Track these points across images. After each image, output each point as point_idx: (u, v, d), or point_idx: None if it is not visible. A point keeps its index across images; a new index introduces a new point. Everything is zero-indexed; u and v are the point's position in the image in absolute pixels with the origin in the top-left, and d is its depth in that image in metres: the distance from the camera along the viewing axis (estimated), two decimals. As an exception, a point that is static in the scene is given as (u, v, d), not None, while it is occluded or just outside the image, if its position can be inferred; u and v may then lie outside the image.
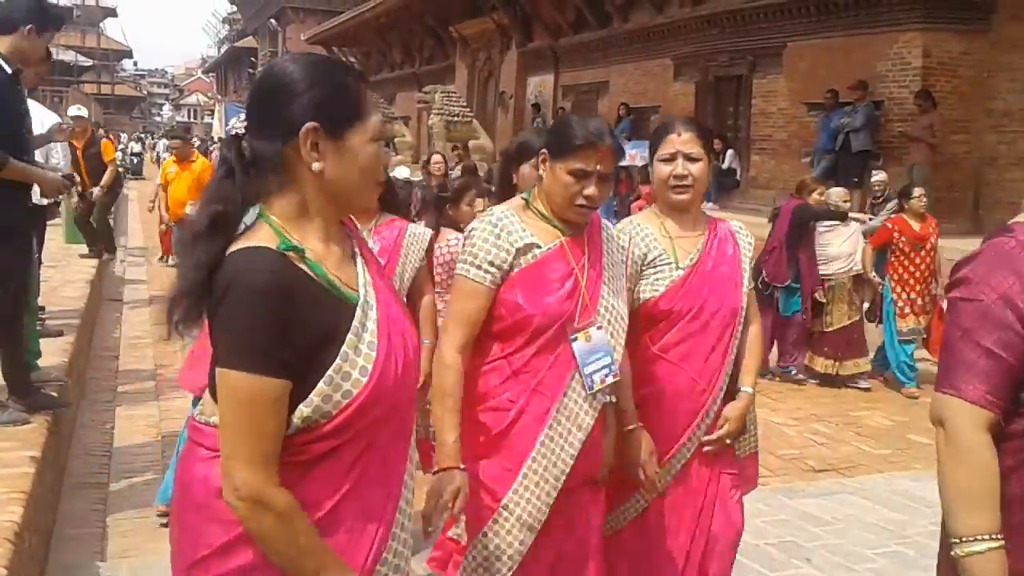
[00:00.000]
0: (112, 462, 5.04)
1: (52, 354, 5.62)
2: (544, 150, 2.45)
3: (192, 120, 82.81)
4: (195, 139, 30.08)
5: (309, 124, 1.55)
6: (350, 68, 1.72)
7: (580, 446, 2.36)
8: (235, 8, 58.89)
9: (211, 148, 28.26)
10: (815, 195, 7.53)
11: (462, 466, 2.26)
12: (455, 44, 25.08)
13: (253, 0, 50.46)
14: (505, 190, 3.40)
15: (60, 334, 6.10)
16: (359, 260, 1.67)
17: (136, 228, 17.02)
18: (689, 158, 2.66)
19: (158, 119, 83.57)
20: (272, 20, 47.82)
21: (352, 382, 1.54)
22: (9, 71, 3.95)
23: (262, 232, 1.55)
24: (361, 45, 35.31)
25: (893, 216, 7.63)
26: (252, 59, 55.66)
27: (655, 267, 2.66)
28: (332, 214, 1.64)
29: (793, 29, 13.02)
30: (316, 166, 1.56)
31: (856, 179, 10.64)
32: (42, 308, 6.44)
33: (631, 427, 2.54)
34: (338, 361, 1.53)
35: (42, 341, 5.89)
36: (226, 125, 57.26)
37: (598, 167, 2.35)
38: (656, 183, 2.77)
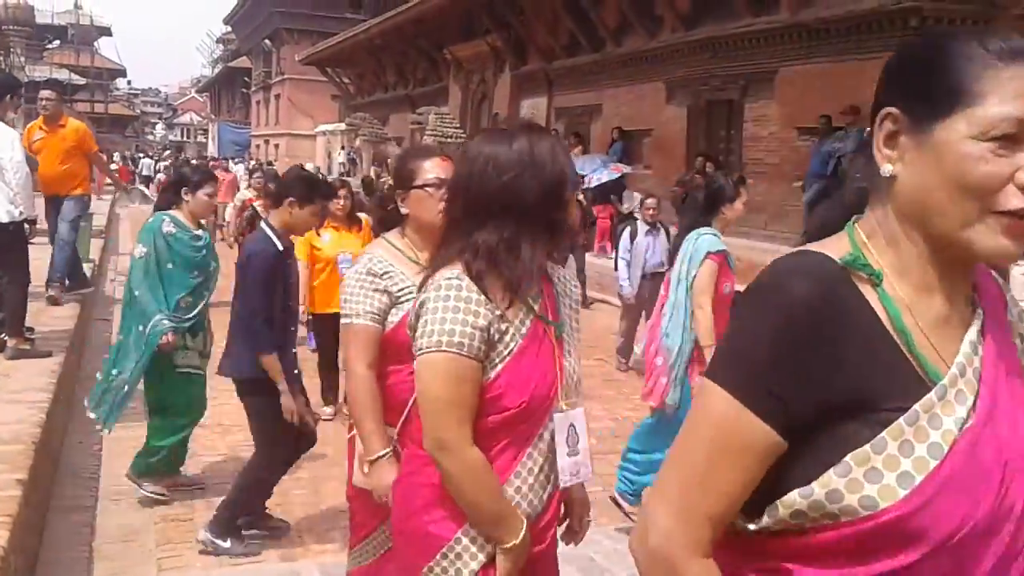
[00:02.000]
0: (100, 485, 4.99)
1: (40, 375, 5.58)
2: None
3: (185, 139, 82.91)
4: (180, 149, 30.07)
5: (889, 109, 1.14)
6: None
7: None
8: (229, 28, 59.06)
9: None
10: None
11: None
12: (449, 66, 25.19)
13: (248, 21, 50.63)
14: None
15: (49, 355, 6.07)
16: (975, 334, 1.14)
17: (127, 246, 16.94)
18: None
19: (151, 138, 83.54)
20: (266, 41, 47.96)
21: (880, 488, 1.05)
22: None
23: (839, 242, 1.19)
24: (355, 66, 35.43)
25: None
26: (246, 79, 55.84)
27: None
28: (925, 245, 1.13)
29: (785, 54, 13.11)
30: (887, 169, 1.14)
31: (847, 203, 10.65)
32: (30, 329, 6.42)
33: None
34: (867, 448, 1.07)
35: (30, 361, 5.87)
36: (219, 144, 57.35)
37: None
38: None
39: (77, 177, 8.21)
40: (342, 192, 6.75)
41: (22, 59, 42.11)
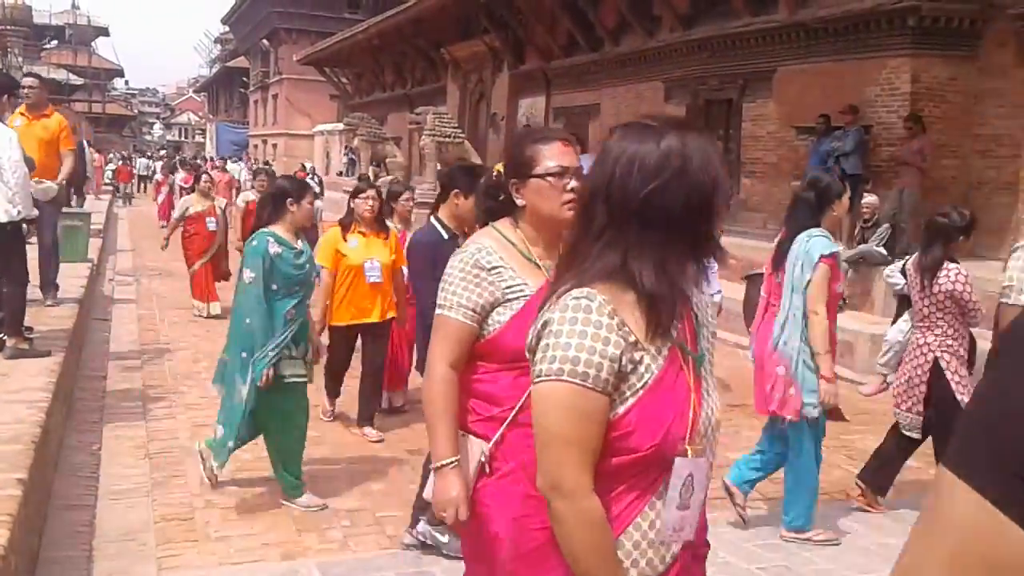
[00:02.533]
0: (99, 483, 4.99)
1: (39, 374, 5.58)
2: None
3: (183, 139, 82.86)
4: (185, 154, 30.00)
5: None
6: None
7: None
8: (227, 28, 59.02)
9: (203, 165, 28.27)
10: None
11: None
12: (447, 66, 25.20)
13: (245, 21, 50.59)
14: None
15: (48, 354, 6.07)
16: None
17: (125, 248, 16.95)
18: None
19: (149, 138, 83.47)
20: (264, 40, 47.93)
21: None
22: None
23: None
24: (353, 66, 35.43)
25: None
26: (244, 79, 55.80)
27: None
28: None
29: (783, 53, 13.12)
30: None
31: (846, 203, 10.67)
32: (29, 328, 6.41)
33: None
34: None
35: (29, 361, 5.87)
36: (217, 144, 57.30)
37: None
38: None
39: (49, 171, 7.76)
40: (370, 192, 6.11)
41: (20, 59, 42.09)
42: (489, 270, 2.33)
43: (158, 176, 25.43)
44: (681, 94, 15.54)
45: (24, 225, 6.22)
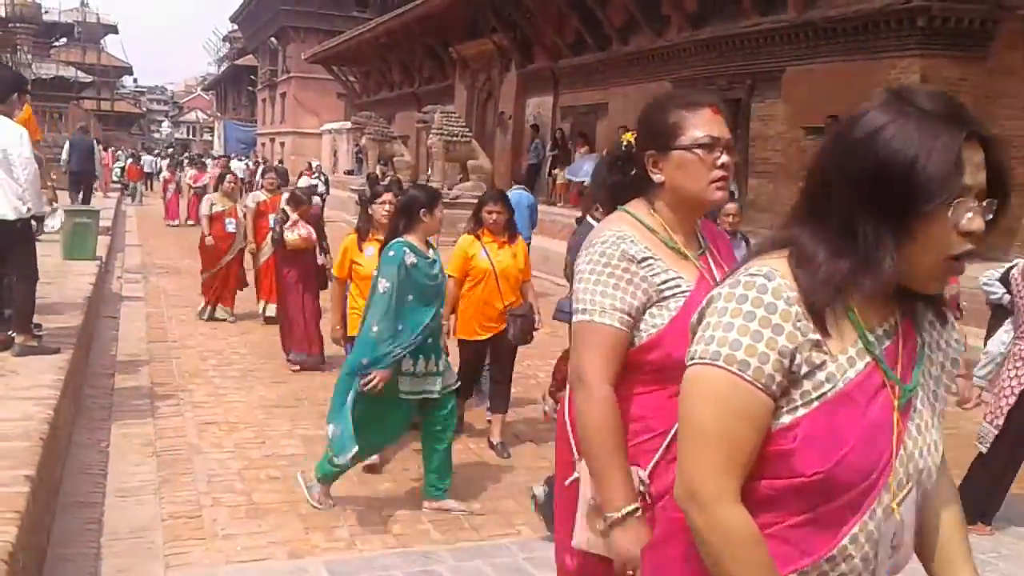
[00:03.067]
0: (107, 481, 5.00)
1: (47, 371, 5.59)
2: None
3: (191, 137, 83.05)
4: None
5: None
6: None
7: None
8: (236, 27, 59.12)
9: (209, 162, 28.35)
10: None
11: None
12: (455, 65, 25.20)
13: (254, 19, 50.67)
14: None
15: (57, 351, 6.08)
16: None
17: (134, 245, 16.98)
18: None
19: (157, 136, 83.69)
20: (272, 39, 48.02)
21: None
22: None
23: None
24: (361, 65, 35.46)
25: None
26: (252, 77, 55.92)
27: None
28: None
29: (791, 54, 13.09)
30: None
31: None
32: (38, 325, 6.42)
33: None
34: None
35: (37, 358, 5.88)
36: (225, 142, 57.37)
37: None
38: None
39: None
40: (387, 196, 5.69)
41: (29, 56, 42.16)
42: (639, 262, 1.95)
43: (164, 174, 25.40)
44: (689, 94, 15.52)
45: (33, 222, 6.23)
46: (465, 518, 4.70)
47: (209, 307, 9.99)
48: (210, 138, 70.98)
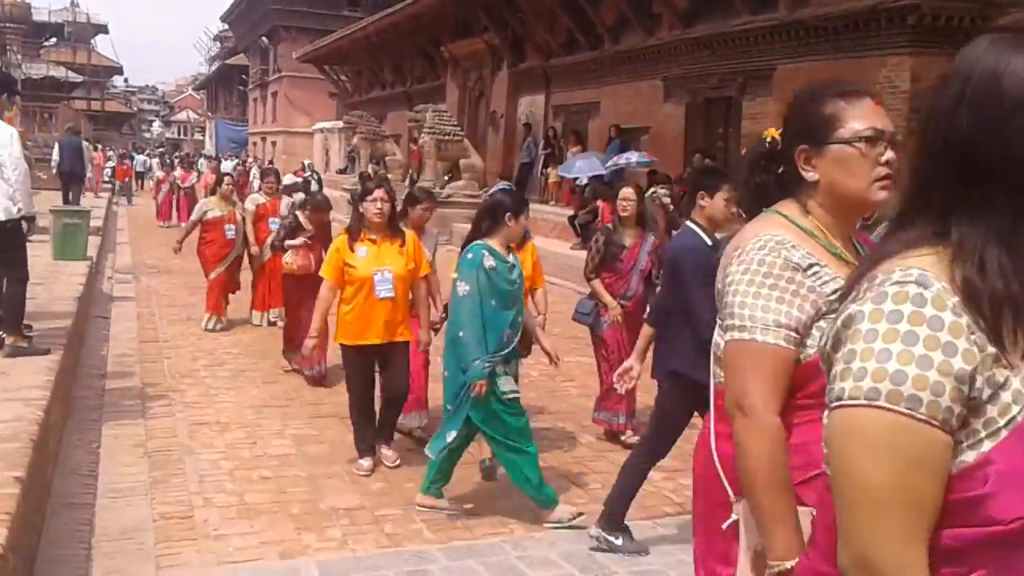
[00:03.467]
0: (98, 482, 4.99)
1: (38, 372, 5.57)
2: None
3: (182, 137, 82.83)
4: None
5: None
6: None
7: None
8: (227, 26, 58.97)
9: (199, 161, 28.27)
10: None
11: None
12: (446, 64, 25.19)
13: (245, 18, 50.54)
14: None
15: (47, 352, 6.06)
16: None
17: (124, 245, 16.93)
18: None
19: (148, 135, 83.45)
20: (263, 38, 47.89)
21: None
22: None
23: None
24: (352, 64, 35.41)
25: None
26: (243, 76, 55.75)
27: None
28: None
29: (782, 52, 13.12)
30: None
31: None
32: (28, 326, 6.41)
33: None
34: None
35: (27, 359, 5.86)
36: (216, 141, 57.25)
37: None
38: None
39: None
40: (378, 194, 5.25)
41: (19, 56, 42.05)
42: (805, 270, 1.75)
43: (158, 173, 25.25)
44: (680, 92, 15.54)
45: (24, 223, 6.21)
46: (457, 517, 4.70)
47: (215, 316, 9.42)
48: (201, 138, 70.79)
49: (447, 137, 20.45)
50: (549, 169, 18.65)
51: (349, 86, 37.54)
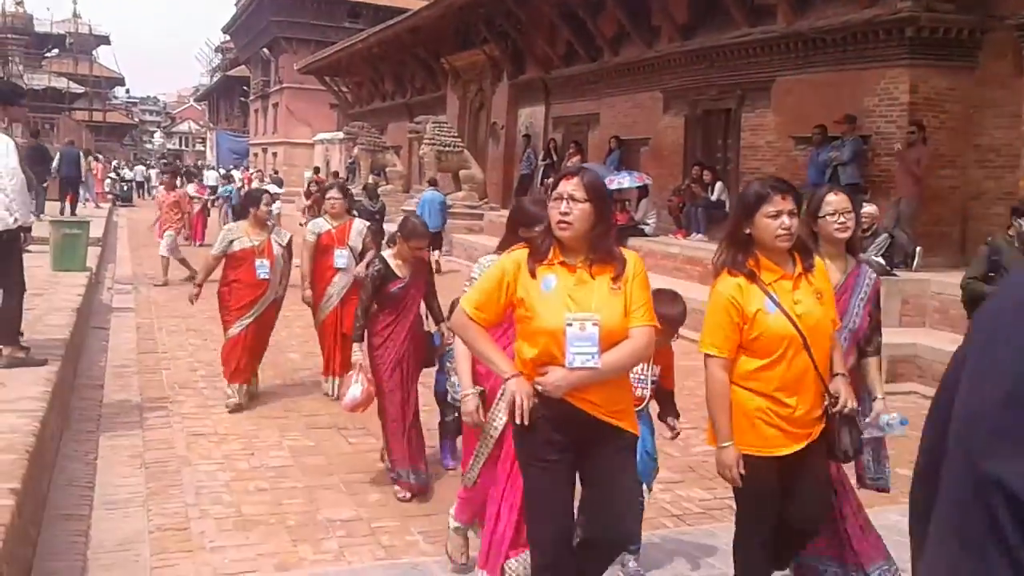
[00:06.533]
0: (94, 493, 4.98)
1: (35, 383, 5.57)
2: None
3: (184, 147, 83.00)
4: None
5: None
6: None
7: None
8: (228, 37, 59.16)
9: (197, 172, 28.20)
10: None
11: None
12: (447, 75, 25.24)
13: (246, 30, 50.71)
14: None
15: (44, 363, 6.06)
16: None
17: (124, 256, 16.94)
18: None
19: (149, 146, 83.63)
20: (265, 49, 48.04)
21: None
22: None
23: None
24: (353, 75, 35.49)
25: None
26: (244, 88, 55.90)
27: None
28: None
29: (781, 64, 13.14)
30: None
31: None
32: (21, 334, 6.40)
33: None
34: None
35: (25, 370, 5.86)
36: (218, 152, 57.46)
37: None
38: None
39: None
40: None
41: (20, 67, 42.18)
42: None
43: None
44: (679, 104, 15.57)
45: (21, 234, 6.21)
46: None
47: (236, 385, 6.87)
48: (202, 148, 70.91)
49: (447, 148, 20.49)
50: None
51: (350, 97, 37.63)
